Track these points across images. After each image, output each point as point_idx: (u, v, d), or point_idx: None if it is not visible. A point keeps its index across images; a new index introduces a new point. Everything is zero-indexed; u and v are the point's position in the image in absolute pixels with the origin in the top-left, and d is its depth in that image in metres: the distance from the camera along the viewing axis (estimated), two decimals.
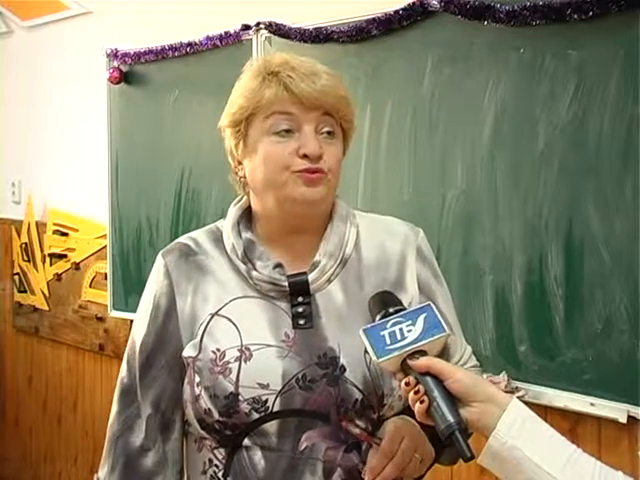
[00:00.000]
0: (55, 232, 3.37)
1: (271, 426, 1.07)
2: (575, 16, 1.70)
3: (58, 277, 3.38)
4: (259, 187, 1.13)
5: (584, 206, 1.74)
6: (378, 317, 1.00)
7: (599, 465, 0.88)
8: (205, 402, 1.09)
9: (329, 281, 1.14)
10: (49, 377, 3.56)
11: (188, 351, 1.12)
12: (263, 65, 1.12)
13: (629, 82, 1.66)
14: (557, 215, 1.79)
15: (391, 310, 0.99)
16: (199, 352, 1.11)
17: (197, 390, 1.10)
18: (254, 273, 1.13)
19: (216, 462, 1.13)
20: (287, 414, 1.07)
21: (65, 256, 3.32)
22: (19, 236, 3.60)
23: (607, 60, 1.69)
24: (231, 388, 1.07)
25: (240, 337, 1.10)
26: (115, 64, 2.78)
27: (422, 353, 0.95)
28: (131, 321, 2.99)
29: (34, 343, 3.63)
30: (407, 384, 0.94)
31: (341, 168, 1.14)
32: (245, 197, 1.20)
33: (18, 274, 3.63)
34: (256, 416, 1.07)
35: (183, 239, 1.22)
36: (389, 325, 0.97)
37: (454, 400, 0.91)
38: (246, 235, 1.16)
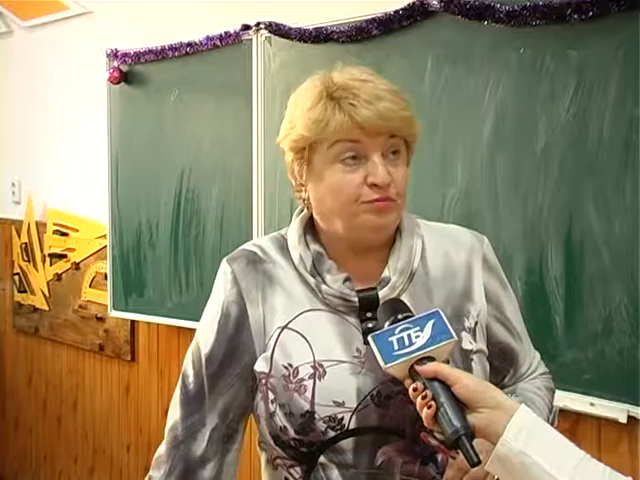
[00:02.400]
0: (55, 232, 3.37)
1: (347, 443, 1.07)
2: (575, 16, 1.70)
3: (58, 277, 3.38)
4: (327, 213, 1.11)
5: (584, 206, 1.74)
6: (387, 323, 1.00)
7: (608, 471, 0.87)
8: (280, 419, 1.08)
9: (398, 296, 1.12)
10: (49, 377, 3.56)
11: (260, 365, 1.11)
12: (324, 86, 1.07)
13: (629, 82, 1.66)
14: (557, 215, 1.79)
15: (400, 317, 1.00)
16: (270, 367, 1.10)
17: (272, 407, 1.09)
18: (324, 287, 1.11)
19: None
20: (363, 431, 1.06)
21: (65, 256, 3.32)
22: (19, 236, 3.60)
23: (607, 60, 1.69)
24: (307, 406, 1.06)
25: (312, 353, 1.08)
26: (115, 64, 2.78)
27: (430, 359, 0.95)
28: (131, 321, 3.01)
29: (34, 343, 3.63)
30: (415, 389, 0.94)
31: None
32: (306, 209, 1.17)
33: (18, 274, 3.63)
34: (332, 434, 1.06)
35: (248, 246, 1.19)
36: (397, 331, 0.97)
37: (461, 406, 0.92)
38: (314, 247, 1.14)
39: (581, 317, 1.76)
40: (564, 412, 1.82)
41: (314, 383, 1.07)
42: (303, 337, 1.09)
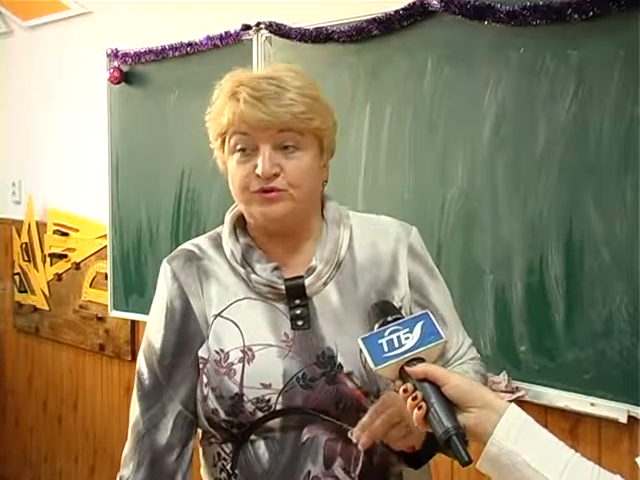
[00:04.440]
0: (55, 232, 3.37)
1: (275, 423, 1.12)
2: (575, 16, 1.70)
3: (58, 277, 3.38)
4: (236, 201, 1.19)
5: (584, 206, 1.75)
6: (376, 326, 1.02)
7: (597, 469, 0.88)
8: (212, 402, 1.14)
9: (325, 284, 1.17)
10: (49, 377, 3.56)
11: (202, 351, 1.16)
12: (231, 82, 1.15)
13: (629, 82, 1.66)
14: (557, 215, 1.79)
15: (389, 319, 1.01)
16: (208, 353, 1.15)
17: (205, 391, 1.15)
18: (253, 276, 1.17)
19: (224, 456, 1.18)
20: (289, 412, 1.12)
21: (65, 256, 3.32)
22: (19, 236, 3.60)
23: (607, 60, 1.69)
24: (236, 389, 1.12)
25: (242, 338, 1.15)
26: (115, 64, 2.78)
27: (420, 360, 0.96)
28: (132, 321, 3.01)
29: (34, 343, 3.63)
30: (405, 391, 0.95)
31: (315, 176, 1.15)
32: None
33: (18, 274, 3.64)
34: (260, 415, 1.12)
35: (187, 245, 1.25)
36: (387, 333, 0.98)
37: (452, 406, 0.92)
38: (244, 240, 1.20)
39: (581, 317, 1.76)
40: (564, 412, 1.82)
41: (243, 367, 1.13)
42: (234, 324, 1.16)
